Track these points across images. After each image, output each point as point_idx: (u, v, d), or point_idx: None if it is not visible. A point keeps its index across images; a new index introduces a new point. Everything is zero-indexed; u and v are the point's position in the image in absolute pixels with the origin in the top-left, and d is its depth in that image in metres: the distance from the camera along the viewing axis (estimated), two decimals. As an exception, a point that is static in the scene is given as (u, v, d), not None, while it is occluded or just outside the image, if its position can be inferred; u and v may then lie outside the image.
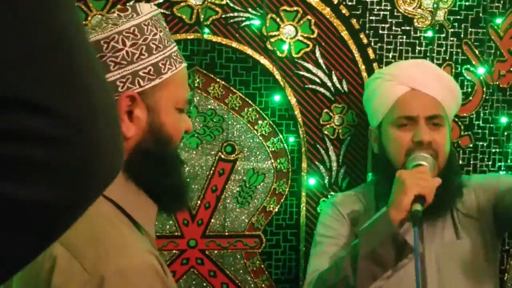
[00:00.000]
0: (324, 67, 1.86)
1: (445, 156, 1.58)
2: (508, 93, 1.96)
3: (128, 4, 1.68)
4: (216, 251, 1.86)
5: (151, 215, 1.06)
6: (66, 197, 0.50)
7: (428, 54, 1.90)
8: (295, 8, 1.83)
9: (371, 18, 1.87)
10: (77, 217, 0.54)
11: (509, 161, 1.98)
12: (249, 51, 1.83)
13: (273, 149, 1.87)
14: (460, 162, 1.94)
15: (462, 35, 1.92)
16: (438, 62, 1.91)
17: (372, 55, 1.88)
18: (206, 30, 1.79)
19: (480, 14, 1.92)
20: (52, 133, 0.48)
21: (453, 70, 1.92)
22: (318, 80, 1.87)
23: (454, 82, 1.69)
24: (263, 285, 1.89)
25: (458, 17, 1.91)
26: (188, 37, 1.79)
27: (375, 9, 1.87)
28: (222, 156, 1.85)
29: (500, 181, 1.64)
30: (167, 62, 1.05)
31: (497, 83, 1.95)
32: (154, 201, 1.06)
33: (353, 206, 1.66)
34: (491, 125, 1.96)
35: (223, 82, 1.83)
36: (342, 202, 1.68)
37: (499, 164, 1.97)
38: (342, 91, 1.88)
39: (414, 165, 1.49)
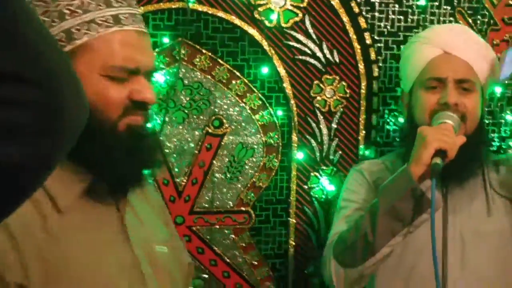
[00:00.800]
0: (314, 37, 1.80)
1: (474, 121, 1.53)
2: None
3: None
4: (204, 228, 1.81)
5: (73, 185, 1.04)
6: (37, 156, 0.56)
7: (421, 23, 1.85)
8: (284, -24, 1.76)
9: (362, -15, 1.81)
10: (48, 174, 0.59)
11: (502, 132, 1.94)
12: (237, 21, 1.76)
13: (262, 122, 1.82)
14: (453, 134, 1.91)
15: (455, 3, 1.87)
16: (432, 31, 1.85)
17: (363, 25, 1.82)
18: (192, -2, 1.72)
19: (474, -18, 1.87)
20: (19, 97, 0.53)
21: (447, 40, 1.87)
22: (308, 51, 1.80)
23: (491, 49, 1.62)
24: (252, 261, 1.85)
25: (452, -16, 1.86)
26: (173, 6, 1.71)
27: (367, -23, 1.81)
28: (210, 131, 1.79)
29: None
30: (83, 27, 1.01)
31: (491, 52, 1.90)
32: (88, 171, 1.05)
33: (380, 173, 1.63)
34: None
35: (209, 54, 1.76)
36: (369, 169, 1.64)
37: (492, 135, 1.93)
38: (333, 62, 1.82)
39: (439, 123, 1.46)
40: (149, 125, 1.15)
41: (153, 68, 1.13)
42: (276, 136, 1.83)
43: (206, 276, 1.81)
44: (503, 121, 1.94)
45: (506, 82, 1.91)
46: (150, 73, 1.11)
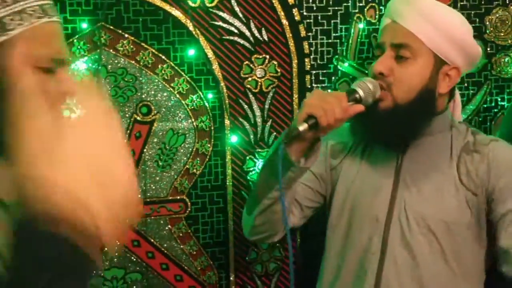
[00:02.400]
0: (241, 15, 1.74)
1: (405, 92, 1.43)
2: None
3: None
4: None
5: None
6: None
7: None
8: (205, -47, 1.70)
9: (288, -40, 1.76)
10: None
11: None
12: (159, 2, 1.69)
13: (192, 107, 1.75)
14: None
15: (385, -25, 1.83)
16: (361, 4, 1.83)
17: (291, 1, 1.77)
18: (109, -19, 1.64)
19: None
20: None
21: (377, 12, 1.83)
22: (235, 30, 1.75)
23: (457, 19, 1.49)
24: (191, 251, 1.79)
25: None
26: (90, -10, 1.64)
27: (293, -49, 1.76)
28: (138, 118, 1.72)
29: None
30: (16, 18, 0.97)
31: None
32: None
33: (341, 138, 1.59)
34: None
35: (132, 38, 1.69)
36: (337, 132, 1.51)
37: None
38: (262, 40, 1.77)
39: (348, 90, 1.43)
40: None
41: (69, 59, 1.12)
42: (208, 120, 1.77)
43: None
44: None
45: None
46: (68, 64, 1.08)
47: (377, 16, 1.83)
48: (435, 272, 1.44)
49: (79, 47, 1.65)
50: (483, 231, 1.47)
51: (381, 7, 1.83)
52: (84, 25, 1.65)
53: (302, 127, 1.33)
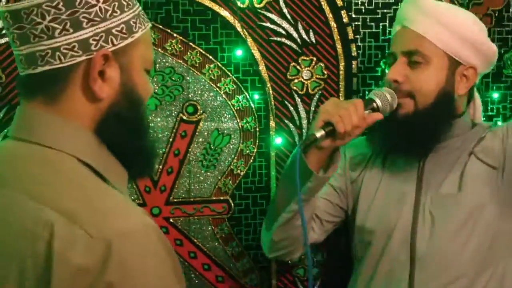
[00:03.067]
0: (289, 17, 1.75)
1: (426, 95, 1.45)
2: (485, 39, 1.86)
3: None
4: (181, 219, 1.76)
5: (123, 179, 1.04)
6: None
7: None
8: (255, -46, 1.71)
9: (337, -38, 1.76)
10: None
11: (489, 110, 1.89)
12: (208, 3, 1.71)
13: (238, 107, 1.76)
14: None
15: (435, -21, 1.81)
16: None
17: (340, 2, 1.77)
18: (160, -19, 1.67)
19: (454, -44, 1.82)
20: None
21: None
22: (283, 32, 1.75)
23: (467, 19, 1.50)
24: (233, 252, 1.79)
25: (431, -41, 1.80)
26: (141, -11, 1.67)
27: (342, -47, 1.76)
28: (184, 117, 1.73)
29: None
30: (137, 21, 1.02)
31: (474, 28, 1.85)
32: (125, 165, 1.04)
33: (360, 150, 1.61)
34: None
35: (181, 38, 1.71)
36: (354, 144, 1.58)
37: (478, 114, 1.87)
38: (310, 42, 1.77)
39: (365, 99, 1.46)
40: None
41: None
42: (253, 121, 1.77)
43: None
44: (489, 99, 1.88)
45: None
46: None
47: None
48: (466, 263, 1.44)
49: (128, 45, 1.68)
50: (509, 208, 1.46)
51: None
52: (134, 24, 1.67)
53: (319, 133, 1.35)
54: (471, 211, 1.44)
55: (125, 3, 1.00)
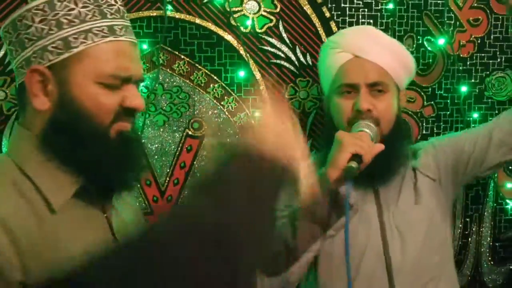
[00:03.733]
0: (288, 41, 1.88)
1: (388, 122, 1.54)
2: (468, 63, 2.00)
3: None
4: (186, 226, 1.88)
5: (65, 186, 1.07)
6: None
7: (390, 26, 1.93)
8: (258, -17, 1.84)
9: (333, -9, 1.89)
10: None
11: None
12: (213, 27, 1.83)
13: (240, 124, 1.89)
14: (424, 131, 1.99)
15: (422, 7, 1.95)
16: (400, 34, 1.94)
17: (335, 28, 1.90)
18: (169, 7, 1.79)
19: (440, -14, 1.96)
20: None
21: (415, 42, 1.95)
22: (282, 55, 1.88)
23: (403, 47, 1.63)
24: (234, 258, 1.92)
25: (419, -11, 1.94)
26: (151, 15, 1.79)
27: (337, -17, 1.89)
28: (190, 133, 1.86)
29: (461, 139, 1.66)
30: (80, 36, 1.06)
31: (458, 53, 1.99)
32: (76, 174, 1.08)
33: None
34: (453, 95, 2.00)
35: (187, 59, 1.84)
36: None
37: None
38: (306, 65, 1.90)
39: (357, 132, 1.48)
40: (134, 130, 1.19)
41: (142, 77, 1.17)
42: (254, 137, 1.90)
43: None
44: (470, 118, 2.02)
45: (472, 81, 2.00)
46: (139, 81, 1.16)
47: (414, 45, 1.95)
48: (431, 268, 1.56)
49: (139, 66, 1.80)
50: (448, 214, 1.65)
51: (418, 37, 1.95)
52: (145, 46, 1.80)
53: (355, 165, 1.36)
54: (430, 219, 1.57)
55: (65, 20, 1.05)
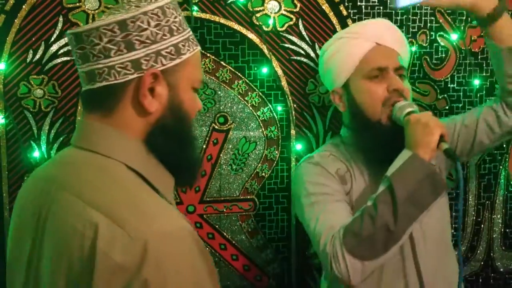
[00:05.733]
0: (307, 39, 1.97)
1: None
2: (479, 57, 2.09)
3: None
4: (213, 215, 1.99)
5: (169, 186, 1.12)
6: None
7: (404, 23, 2.02)
8: (278, -16, 1.94)
9: (350, -9, 1.99)
10: None
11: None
12: (236, 27, 1.93)
13: (263, 118, 1.99)
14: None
15: (435, 4, 2.04)
16: (414, 30, 2.03)
17: (352, 26, 2.00)
18: (195, 8, 1.89)
19: (452, -17, 2.04)
20: None
21: (428, 37, 2.05)
22: (302, 52, 1.98)
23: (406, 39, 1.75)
24: (258, 244, 2.02)
25: (431, -13, 2.03)
26: (179, 15, 1.88)
27: (354, -18, 1.99)
28: (216, 127, 1.96)
29: (456, 120, 1.75)
30: (186, 44, 1.11)
31: (469, 47, 2.08)
32: (172, 173, 1.12)
33: (335, 164, 1.67)
34: (465, 88, 2.10)
35: (213, 57, 1.93)
36: (325, 162, 1.68)
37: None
38: (325, 61, 2.00)
39: (408, 112, 1.54)
40: None
41: None
42: (276, 130, 2.00)
43: None
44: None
45: (483, 74, 2.09)
46: None
47: (428, 41, 2.05)
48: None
49: (168, 64, 1.90)
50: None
51: (431, 33, 2.04)
52: (173, 46, 1.90)
53: (447, 145, 1.46)
54: (440, 204, 1.62)
55: (174, 27, 1.08)
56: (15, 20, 1.78)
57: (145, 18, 1.05)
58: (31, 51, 1.80)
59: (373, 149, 1.62)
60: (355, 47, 1.66)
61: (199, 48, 1.15)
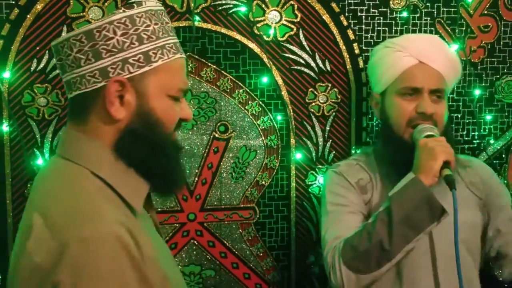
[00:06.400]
0: (307, 49, 1.99)
1: (441, 127, 1.65)
2: (479, 67, 2.11)
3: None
4: (214, 223, 2.00)
5: (140, 192, 1.13)
6: None
7: (404, 33, 2.03)
8: (279, -5, 1.96)
9: (349, 1, 2.01)
10: None
11: (482, 130, 2.12)
12: (238, 36, 1.95)
13: (263, 127, 2.01)
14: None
15: (435, 15, 2.06)
16: (414, 40, 2.05)
17: (352, 36, 2.01)
18: (197, 17, 1.91)
19: (452, -6, 2.07)
20: None
21: (428, 48, 2.06)
22: (302, 61, 2.00)
23: (457, 57, 1.74)
24: (258, 253, 2.03)
25: (431, -3, 2.06)
26: (180, 25, 1.91)
27: (354, -7, 2.01)
28: (216, 135, 1.98)
29: (502, 213, 1.71)
30: (159, 52, 1.12)
31: (469, 58, 2.09)
32: (146, 180, 1.13)
33: (358, 174, 1.71)
34: (465, 98, 2.11)
35: (214, 66, 1.96)
36: (347, 171, 1.73)
37: (472, 133, 2.12)
38: (325, 70, 2.01)
39: (426, 135, 1.57)
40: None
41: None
42: (276, 139, 2.02)
43: None
44: (482, 120, 2.12)
45: (483, 85, 2.10)
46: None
47: (427, 51, 2.06)
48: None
49: (169, 73, 1.92)
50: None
51: (431, 43, 2.06)
52: (174, 55, 1.92)
53: (449, 172, 1.47)
54: (472, 226, 1.66)
55: (145, 36, 1.11)
56: (20, 30, 1.81)
57: (111, 27, 1.08)
58: (35, 60, 1.83)
59: (395, 163, 1.66)
60: (398, 60, 1.68)
61: (179, 56, 1.15)
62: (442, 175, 1.50)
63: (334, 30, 2.00)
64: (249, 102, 1.99)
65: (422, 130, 1.60)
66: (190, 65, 1.94)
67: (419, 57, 1.66)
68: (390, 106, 1.69)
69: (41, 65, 1.84)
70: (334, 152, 2.04)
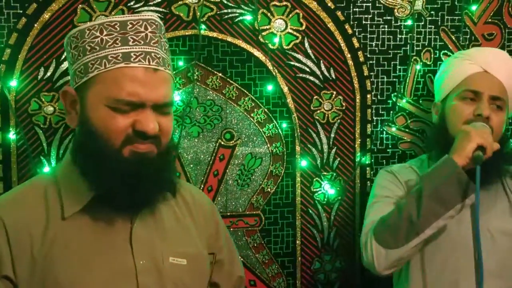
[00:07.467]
0: (312, 57, 2.01)
1: (497, 136, 1.65)
2: (483, 75, 2.11)
3: (128, 4, 1.83)
4: (219, 230, 2.01)
5: (79, 197, 1.18)
6: None
7: (408, 41, 2.05)
8: (284, 3, 1.97)
9: (354, 9, 2.02)
10: None
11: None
12: (243, 45, 1.96)
13: (268, 134, 2.02)
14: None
15: (439, 23, 2.07)
16: (418, 48, 2.06)
17: (356, 44, 2.03)
18: (203, 26, 1.93)
19: (456, 2, 2.08)
20: None
21: (432, 56, 2.07)
22: (307, 69, 2.01)
23: None
24: (263, 260, 2.04)
25: (435, 5, 2.07)
26: (186, 34, 1.92)
27: (358, 1, 2.02)
28: (222, 143, 1.99)
29: None
30: (96, 62, 1.15)
31: (473, 66, 2.10)
32: (90, 187, 1.17)
33: (409, 175, 1.75)
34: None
35: (220, 74, 1.97)
36: (400, 171, 1.77)
37: None
38: (330, 78, 2.03)
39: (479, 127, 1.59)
40: (163, 150, 1.22)
41: (162, 101, 1.18)
42: (281, 146, 2.03)
43: None
44: (486, 127, 2.12)
45: None
46: (159, 106, 1.17)
47: (432, 59, 2.07)
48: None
49: (175, 81, 1.94)
50: None
51: (435, 51, 2.07)
52: (180, 63, 1.93)
53: (481, 153, 1.50)
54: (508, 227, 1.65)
55: (88, 47, 1.16)
56: (27, 38, 1.82)
57: (68, 42, 1.21)
58: (42, 69, 1.84)
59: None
60: (463, 67, 1.73)
61: (120, 65, 1.14)
62: (473, 155, 1.52)
63: (339, 38, 2.02)
64: (255, 109, 2.00)
65: (474, 125, 1.62)
66: (196, 73, 1.95)
67: (484, 65, 1.70)
68: (449, 109, 1.73)
69: (48, 74, 1.85)
70: (339, 159, 2.05)
